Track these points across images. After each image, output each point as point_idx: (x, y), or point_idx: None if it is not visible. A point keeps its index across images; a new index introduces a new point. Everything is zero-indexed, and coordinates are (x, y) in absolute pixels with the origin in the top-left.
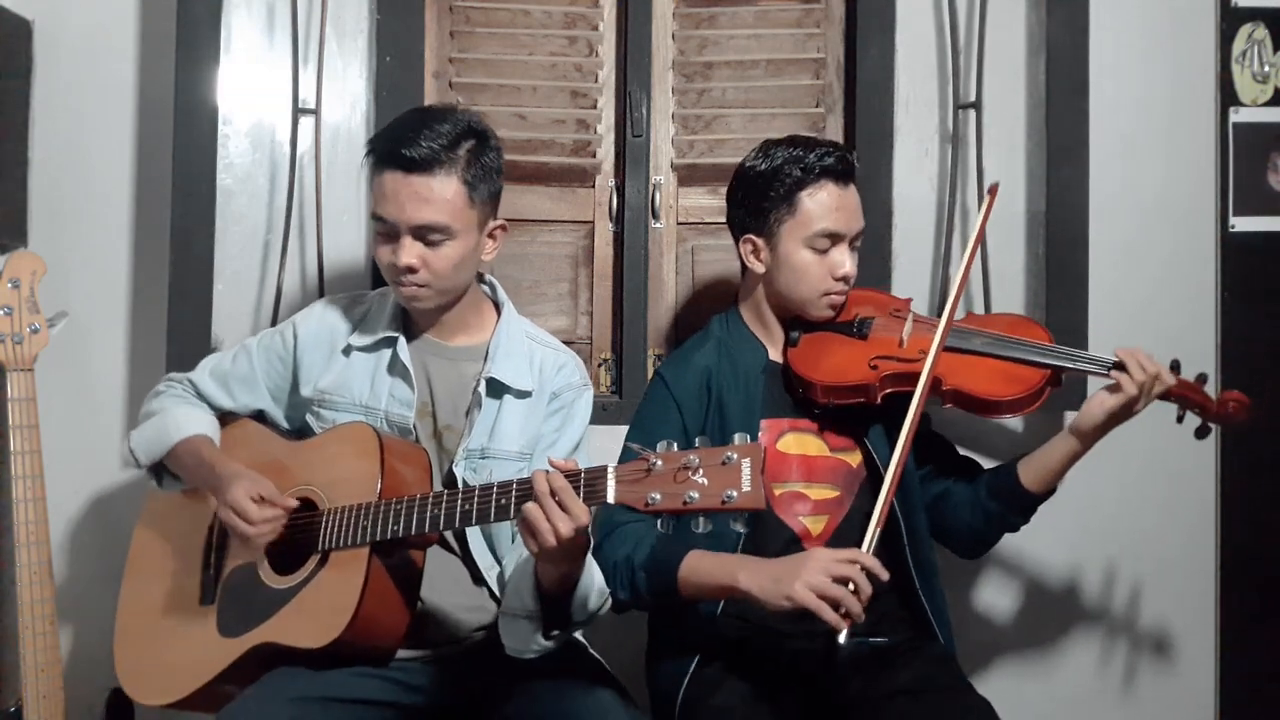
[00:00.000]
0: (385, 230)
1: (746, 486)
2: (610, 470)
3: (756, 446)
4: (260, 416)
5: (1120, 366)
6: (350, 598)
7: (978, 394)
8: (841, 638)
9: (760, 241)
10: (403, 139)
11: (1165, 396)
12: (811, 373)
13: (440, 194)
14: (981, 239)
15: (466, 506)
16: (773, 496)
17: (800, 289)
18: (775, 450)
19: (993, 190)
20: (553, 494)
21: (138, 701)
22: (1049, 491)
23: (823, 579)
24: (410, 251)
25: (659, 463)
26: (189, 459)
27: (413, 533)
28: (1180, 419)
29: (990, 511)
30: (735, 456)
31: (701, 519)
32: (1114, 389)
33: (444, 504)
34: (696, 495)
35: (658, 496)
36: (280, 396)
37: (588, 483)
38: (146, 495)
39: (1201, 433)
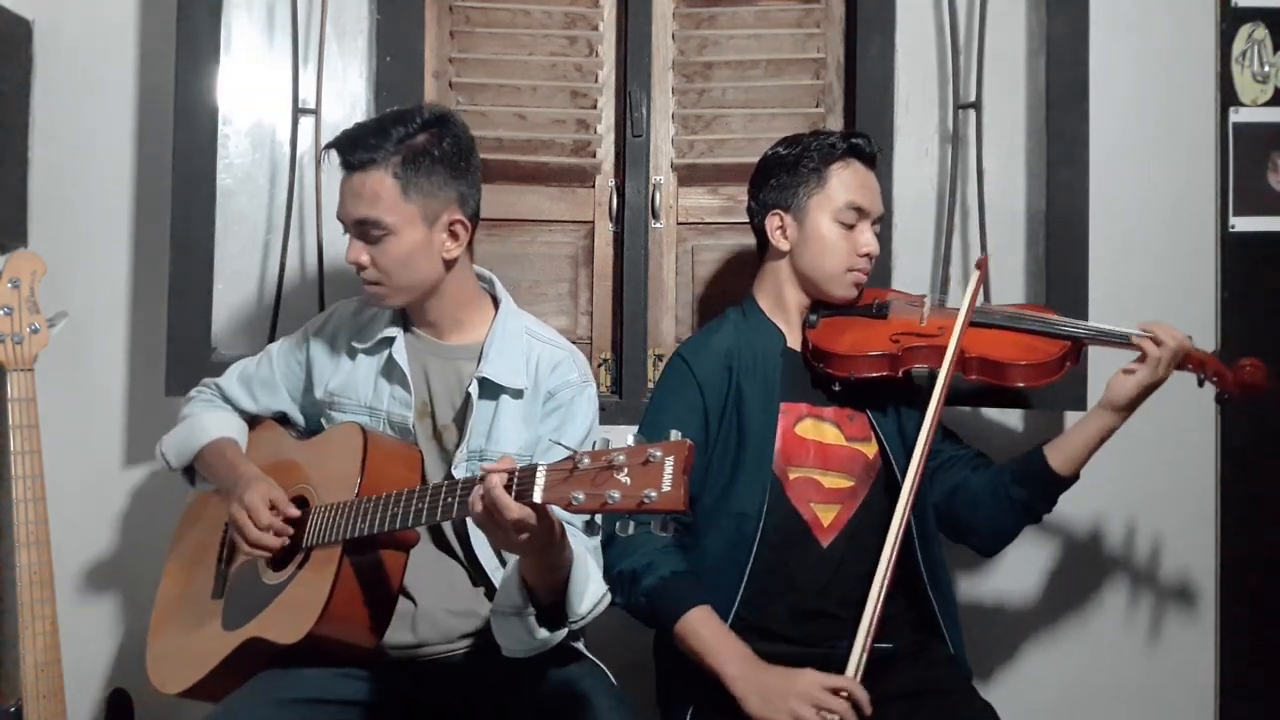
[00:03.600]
0: (344, 230)
1: (666, 486)
2: (541, 469)
3: (682, 444)
4: (284, 419)
5: (1147, 339)
6: (320, 595)
7: (1001, 359)
8: None
9: (788, 217)
10: (341, 140)
11: (1183, 364)
12: (832, 346)
13: (371, 189)
14: (971, 314)
15: (419, 505)
16: (787, 480)
17: (825, 264)
18: (793, 433)
19: (980, 264)
20: (485, 501)
21: (157, 689)
22: (1074, 476)
23: (808, 710)
24: (355, 248)
25: (585, 460)
26: (213, 460)
27: (377, 530)
28: (1201, 383)
29: (1015, 499)
30: (659, 454)
31: (631, 522)
32: (1141, 358)
33: (403, 502)
34: (617, 495)
35: (581, 496)
36: (299, 398)
37: (519, 482)
38: (190, 494)
39: (1220, 399)
